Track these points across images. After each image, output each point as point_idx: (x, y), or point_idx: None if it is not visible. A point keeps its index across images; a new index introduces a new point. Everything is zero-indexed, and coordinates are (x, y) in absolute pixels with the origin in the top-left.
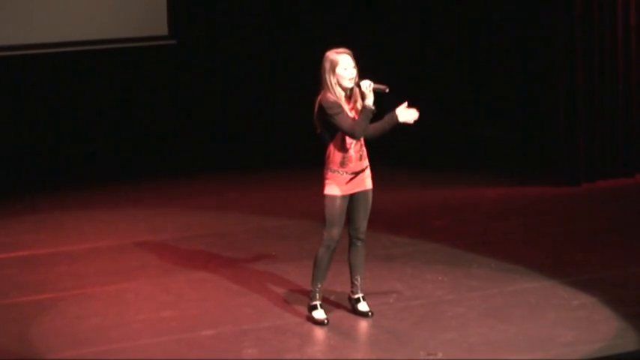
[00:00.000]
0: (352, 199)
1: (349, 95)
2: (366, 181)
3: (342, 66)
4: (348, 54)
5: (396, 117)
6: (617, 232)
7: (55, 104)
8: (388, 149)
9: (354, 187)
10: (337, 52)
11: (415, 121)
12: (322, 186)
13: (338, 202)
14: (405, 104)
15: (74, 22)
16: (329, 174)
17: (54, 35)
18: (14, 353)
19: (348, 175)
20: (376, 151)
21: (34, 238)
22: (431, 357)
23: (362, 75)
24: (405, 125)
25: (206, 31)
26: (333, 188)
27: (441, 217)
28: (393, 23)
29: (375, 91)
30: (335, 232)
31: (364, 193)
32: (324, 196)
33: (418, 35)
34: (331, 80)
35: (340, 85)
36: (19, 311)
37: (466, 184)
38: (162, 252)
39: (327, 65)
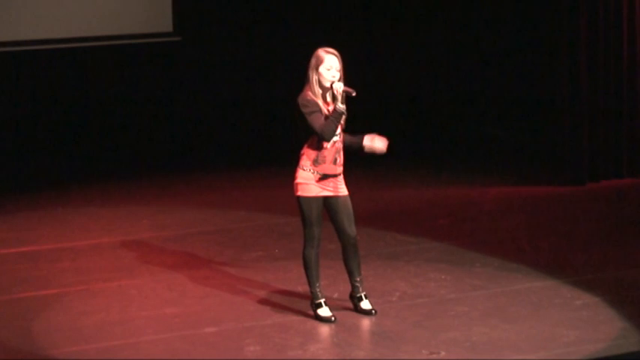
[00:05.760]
0: (331, 207)
1: (330, 95)
2: (340, 187)
3: (326, 66)
4: (335, 55)
5: (361, 141)
6: (621, 232)
7: (58, 100)
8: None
9: (326, 189)
10: (326, 51)
11: (381, 151)
12: (294, 188)
13: (312, 202)
14: (375, 135)
15: (79, 18)
16: (300, 173)
17: (58, 31)
18: (17, 349)
19: (318, 175)
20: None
21: (36, 234)
22: (433, 356)
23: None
24: (372, 153)
25: (211, 27)
26: (305, 189)
27: (444, 215)
28: (399, 21)
29: (345, 94)
30: (315, 230)
31: (342, 199)
32: (297, 198)
33: (422, 34)
34: (313, 77)
35: (320, 84)
36: (22, 307)
37: (470, 182)
38: (164, 249)
39: (312, 62)
